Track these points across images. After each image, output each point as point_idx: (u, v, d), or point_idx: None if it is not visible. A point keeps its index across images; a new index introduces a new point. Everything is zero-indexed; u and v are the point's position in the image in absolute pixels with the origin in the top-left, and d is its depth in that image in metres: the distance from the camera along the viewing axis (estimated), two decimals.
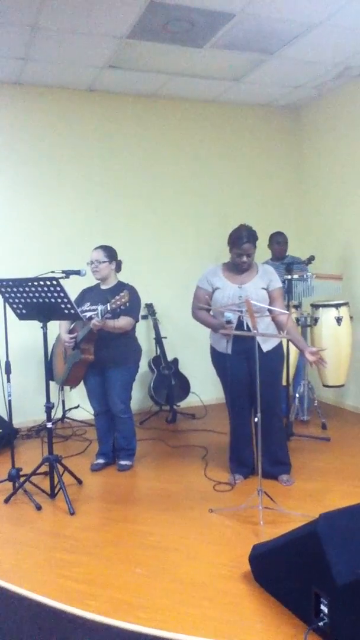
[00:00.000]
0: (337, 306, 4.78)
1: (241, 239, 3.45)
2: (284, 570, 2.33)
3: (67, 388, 5.11)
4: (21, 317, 3.55)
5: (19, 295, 3.39)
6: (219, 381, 3.73)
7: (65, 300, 3.32)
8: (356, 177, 5.24)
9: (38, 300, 3.36)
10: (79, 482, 3.72)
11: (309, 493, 3.47)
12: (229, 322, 3.36)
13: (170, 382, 5.30)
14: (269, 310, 3.42)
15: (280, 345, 3.63)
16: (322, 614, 2.09)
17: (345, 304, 4.84)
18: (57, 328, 3.99)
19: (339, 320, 4.76)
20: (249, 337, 3.33)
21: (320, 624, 2.08)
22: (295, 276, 4.62)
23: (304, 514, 3.06)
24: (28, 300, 3.39)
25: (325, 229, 5.72)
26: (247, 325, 3.44)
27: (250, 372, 3.31)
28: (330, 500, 3.33)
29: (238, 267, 3.53)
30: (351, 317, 4.88)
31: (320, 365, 3.48)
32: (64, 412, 5.20)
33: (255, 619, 2.26)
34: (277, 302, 3.55)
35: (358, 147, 5.20)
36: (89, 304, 3.86)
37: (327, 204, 5.70)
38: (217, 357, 3.64)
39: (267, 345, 3.52)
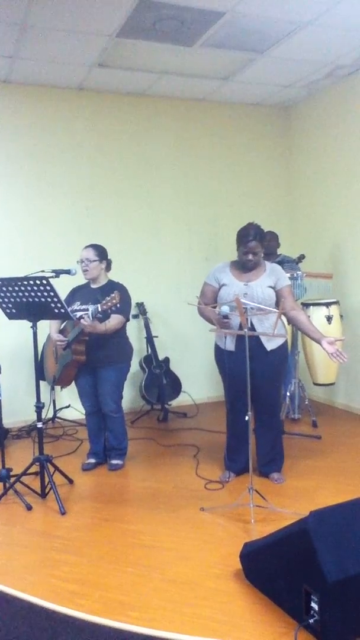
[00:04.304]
0: (327, 305, 4.80)
1: (247, 237, 3.43)
2: (274, 568, 2.34)
3: (57, 387, 5.10)
4: (11, 316, 3.53)
5: (8, 294, 3.37)
6: (210, 380, 3.72)
7: (56, 299, 3.30)
8: (346, 176, 5.26)
9: (28, 299, 3.35)
10: (70, 481, 3.72)
11: (299, 491, 3.49)
12: (225, 317, 3.35)
13: (162, 381, 5.30)
14: (260, 309, 3.41)
15: (284, 344, 3.61)
16: (312, 611, 2.10)
17: (336, 302, 4.86)
18: (47, 327, 3.98)
19: (329, 318, 4.77)
20: (250, 335, 3.33)
21: (311, 621, 2.09)
22: (287, 275, 4.62)
23: (295, 511, 3.07)
24: (18, 299, 3.38)
25: (316, 228, 5.74)
26: (252, 324, 3.44)
27: (251, 370, 3.30)
28: (320, 498, 3.34)
29: (244, 265, 3.52)
30: (341, 316, 4.90)
31: (339, 360, 3.26)
32: (55, 411, 5.19)
33: (246, 617, 2.26)
34: (287, 300, 3.50)
35: (347, 145, 5.22)
36: (79, 303, 3.85)
37: (317, 202, 5.72)
38: (219, 354, 3.64)
39: (270, 345, 3.51)
